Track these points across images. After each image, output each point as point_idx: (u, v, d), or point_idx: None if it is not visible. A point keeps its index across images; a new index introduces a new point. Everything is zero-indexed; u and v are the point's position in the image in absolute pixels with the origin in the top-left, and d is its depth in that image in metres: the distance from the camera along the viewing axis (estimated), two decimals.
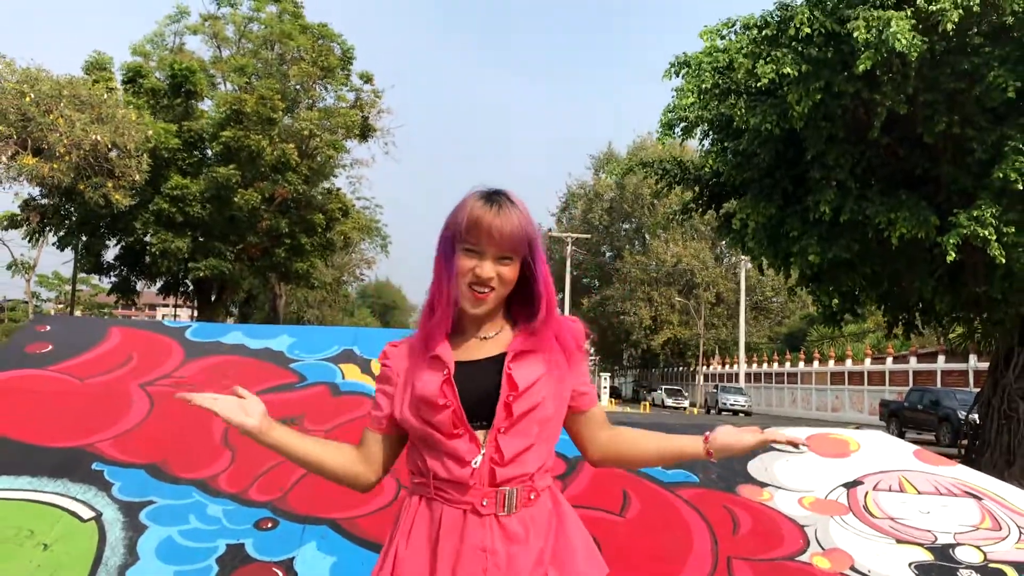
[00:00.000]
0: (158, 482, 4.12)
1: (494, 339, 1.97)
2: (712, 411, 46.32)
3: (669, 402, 52.89)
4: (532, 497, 1.89)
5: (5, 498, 3.92)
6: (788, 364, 50.14)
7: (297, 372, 5.15)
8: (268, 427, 2.06)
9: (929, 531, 4.20)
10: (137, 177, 20.06)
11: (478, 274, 1.87)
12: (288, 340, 5.49)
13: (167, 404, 4.75)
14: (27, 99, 16.86)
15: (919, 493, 4.54)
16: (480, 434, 1.86)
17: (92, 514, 3.87)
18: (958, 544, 4.13)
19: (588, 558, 1.97)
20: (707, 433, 2.14)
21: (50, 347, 5.25)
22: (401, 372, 2.01)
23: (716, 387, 48.34)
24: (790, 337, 63.19)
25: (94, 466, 4.18)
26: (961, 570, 3.93)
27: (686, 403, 52.44)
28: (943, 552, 4.05)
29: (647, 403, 51.42)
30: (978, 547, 4.11)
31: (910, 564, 3.95)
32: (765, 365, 53.42)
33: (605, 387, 52.29)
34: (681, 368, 67.66)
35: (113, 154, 19.12)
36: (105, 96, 18.78)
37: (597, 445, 2.14)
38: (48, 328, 5.61)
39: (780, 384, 50.47)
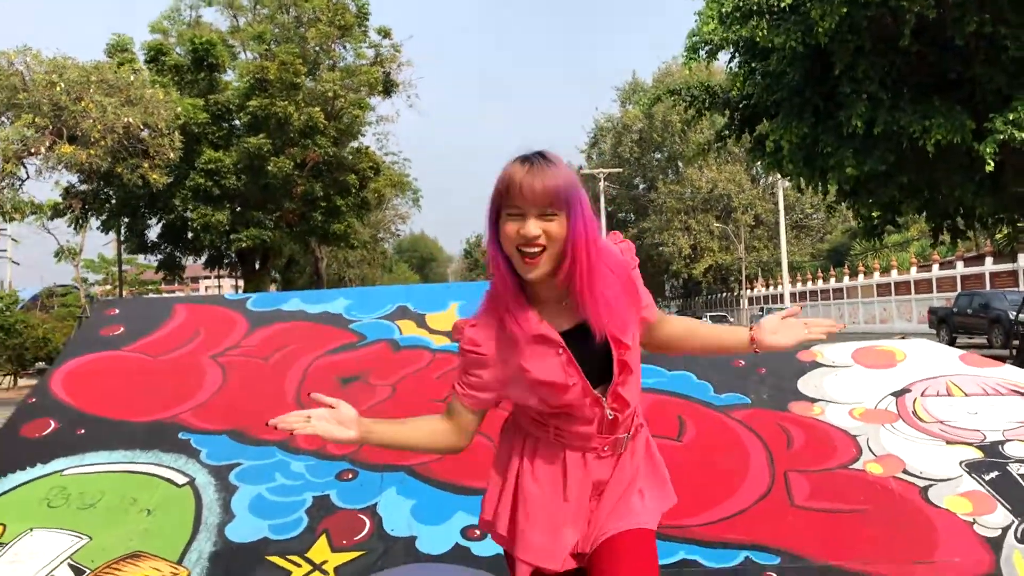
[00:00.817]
0: (241, 445, 4.41)
1: (566, 305, 1.97)
2: None
3: None
4: (635, 433, 2.10)
5: (107, 471, 4.24)
6: (833, 280, 49.78)
7: (357, 332, 5.39)
8: (366, 432, 2.08)
9: (978, 430, 4.36)
10: (171, 155, 20.36)
11: (523, 234, 1.84)
12: (345, 302, 5.73)
13: (239, 372, 5.03)
14: (57, 88, 17.15)
15: (966, 395, 4.69)
16: (599, 391, 1.98)
17: (186, 480, 4.17)
18: (1007, 440, 4.28)
19: (665, 485, 2.19)
20: (752, 326, 2.26)
21: (121, 329, 5.54)
22: (496, 354, 1.97)
23: (762, 309, 48.20)
24: (833, 253, 62.62)
25: (180, 436, 4.48)
26: (1011, 464, 4.09)
27: None
28: (992, 449, 4.21)
29: None
30: None
31: (960, 463, 4.12)
32: (810, 283, 53.10)
33: None
34: (725, 294, 67.45)
35: (145, 134, 19.40)
36: (132, 78, 19.01)
37: (654, 337, 2.27)
38: (117, 311, 5.91)
39: (827, 301, 50.19)
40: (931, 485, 3.95)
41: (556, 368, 1.91)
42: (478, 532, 3.68)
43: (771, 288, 58.15)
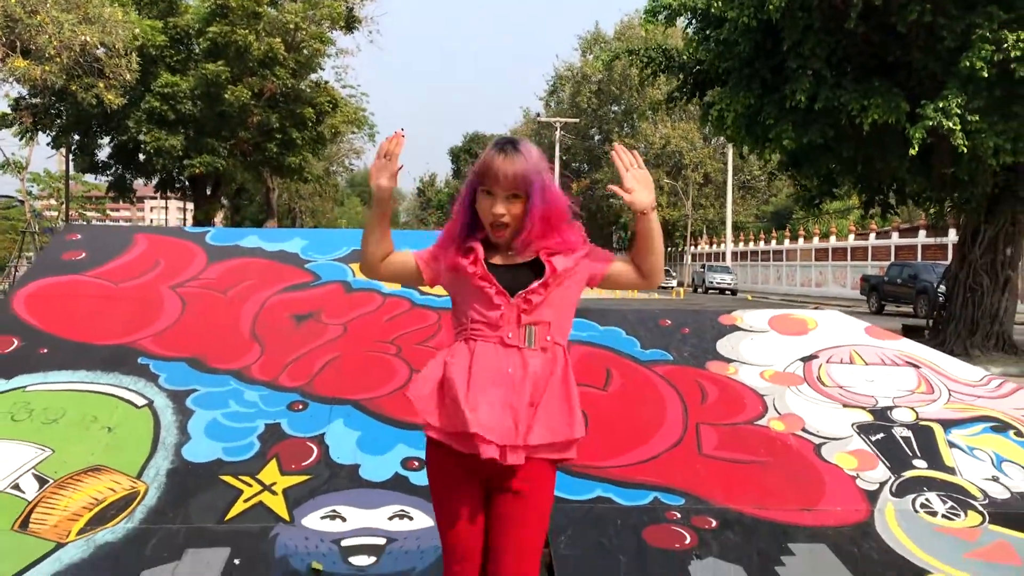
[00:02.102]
0: (198, 373, 4.67)
1: (510, 255, 2.42)
2: (699, 290, 47.14)
3: None
4: (548, 339, 2.40)
5: (69, 389, 4.48)
6: (774, 242, 50.61)
7: (312, 272, 5.65)
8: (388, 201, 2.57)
9: (871, 396, 4.83)
10: (127, 76, 19.97)
11: (492, 212, 2.32)
12: (301, 242, 5.97)
13: (198, 303, 5.27)
14: (12, 0, 16.70)
15: (866, 364, 5.16)
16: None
17: (145, 401, 4.43)
18: (895, 407, 4.76)
19: (573, 413, 2.45)
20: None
21: (83, 254, 5.72)
22: (443, 258, 2.45)
23: (703, 266, 48.90)
24: (776, 215, 63.58)
25: (140, 360, 4.72)
26: (895, 427, 4.57)
27: (674, 283, 53.14)
28: (882, 413, 4.69)
29: None
30: (912, 408, 4.75)
31: (853, 424, 4.58)
32: (751, 244, 53.87)
33: None
34: (670, 249, 68.21)
35: (102, 53, 19.02)
36: None
37: (615, 279, 2.56)
38: (79, 237, 6.07)
39: (766, 262, 51.06)
40: (824, 443, 4.39)
41: (468, 259, 2.38)
42: (416, 463, 3.98)
43: (715, 246, 59.03)
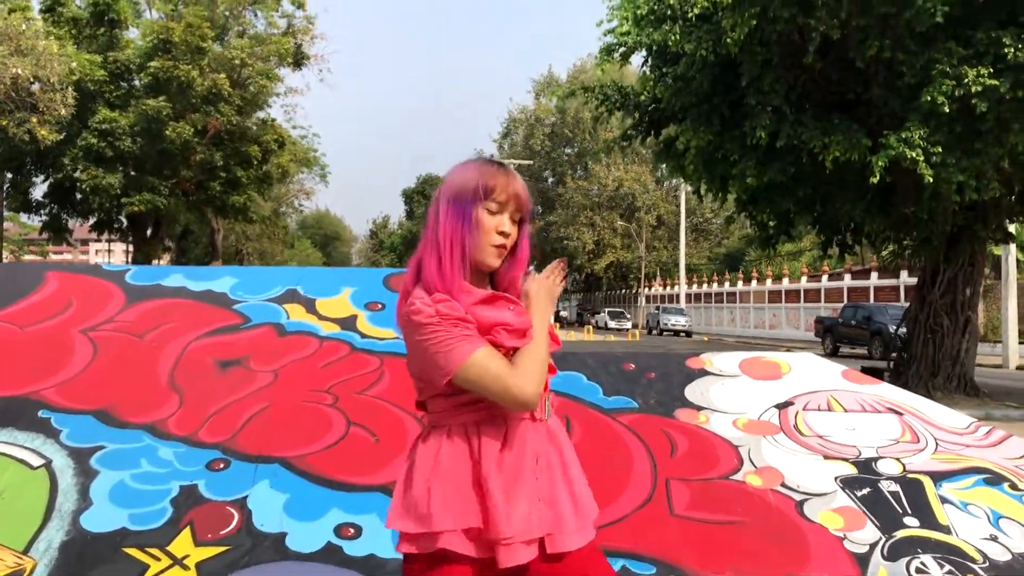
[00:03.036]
0: (107, 427, 4.16)
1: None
2: (654, 332, 47.20)
3: (612, 324, 53.77)
4: (554, 405, 2.16)
5: None
6: (727, 284, 51.13)
7: (241, 313, 5.15)
8: None
9: (854, 446, 4.47)
10: (63, 111, 19.34)
11: (502, 230, 2.04)
12: (231, 281, 5.47)
13: (111, 349, 4.75)
14: None
15: (846, 411, 4.80)
16: None
17: (42, 461, 3.91)
18: (880, 457, 4.40)
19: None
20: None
21: None
22: (468, 313, 2.00)
23: (658, 308, 49.18)
24: (729, 257, 64.35)
25: (40, 414, 4.20)
26: (882, 481, 4.20)
27: (628, 325, 53.32)
28: (866, 465, 4.32)
29: (591, 326, 52.13)
30: (898, 459, 4.38)
31: (836, 478, 4.21)
32: (705, 286, 54.44)
33: None
34: (624, 291, 68.59)
35: (36, 88, 18.38)
36: (23, 27, 17.94)
37: None
38: None
39: (720, 304, 51.54)
40: (807, 499, 4.02)
41: (513, 315, 2.05)
42: (351, 531, 3.58)
43: (668, 288, 59.41)
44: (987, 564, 3.70)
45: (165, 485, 3.81)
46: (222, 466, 3.96)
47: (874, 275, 35.93)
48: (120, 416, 4.24)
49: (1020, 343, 24.66)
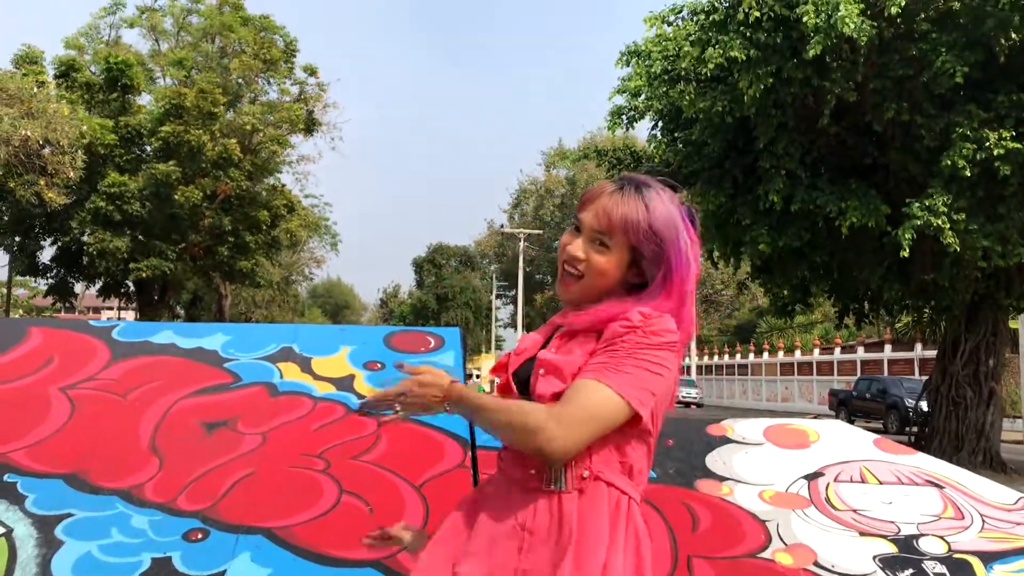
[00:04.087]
0: (78, 493, 3.84)
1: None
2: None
3: None
4: (584, 476, 1.79)
5: None
6: (739, 356, 50.82)
7: (232, 372, 4.86)
8: None
9: (892, 522, 4.10)
10: (71, 174, 19.37)
11: (568, 250, 1.72)
12: (223, 338, 5.19)
13: (90, 408, 4.45)
14: None
15: (881, 483, 4.44)
16: None
17: (2, 531, 3.59)
18: (922, 535, 4.03)
19: None
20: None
21: None
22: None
23: None
24: (740, 329, 64.08)
25: (6, 478, 3.88)
26: (926, 561, 3.83)
27: None
28: (907, 543, 3.95)
29: None
30: (942, 537, 4.01)
31: (875, 557, 3.84)
32: (716, 357, 54.12)
33: None
34: None
35: (46, 151, 18.44)
36: (35, 90, 18.06)
37: None
38: None
39: (731, 376, 51.14)
40: None
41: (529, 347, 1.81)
42: None
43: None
44: None
45: (136, 557, 3.47)
46: (200, 536, 3.62)
47: (888, 347, 35.64)
48: (93, 480, 3.92)
49: None
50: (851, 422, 27.57)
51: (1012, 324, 22.62)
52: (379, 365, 4.99)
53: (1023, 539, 4.06)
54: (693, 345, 52.47)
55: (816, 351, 42.12)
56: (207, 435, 4.29)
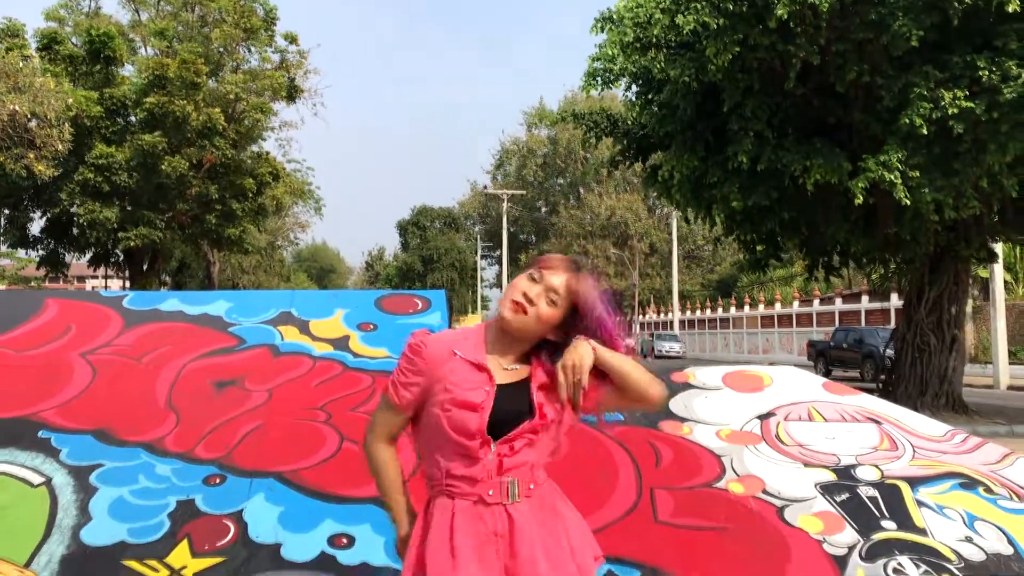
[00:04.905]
0: (105, 446, 4.25)
1: (515, 371, 2.19)
2: (648, 357, 47.24)
3: None
4: (532, 487, 2.18)
5: None
6: (720, 310, 51.22)
7: (236, 335, 5.24)
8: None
9: (833, 454, 4.56)
10: (59, 147, 19.49)
11: (527, 293, 2.13)
12: (225, 305, 5.57)
13: (110, 371, 4.84)
14: None
15: (826, 421, 4.90)
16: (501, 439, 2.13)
17: (42, 479, 4.00)
18: (859, 464, 4.50)
19: (585, 538, 2.32)
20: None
21: None
22: (438, 369, 2.16)
23: (652, 335, 49.27)
24: (721, 284, 64.48)
25: (40, 434, 4.28)
26: (861, 487, 4.30)
27: None
28: (845, 472, 4.42)
29: None
30: (876, 466, 4.49)
31: (816, 484, 4.30)
32: (698, 312, 54.51)
33: None
34: (616, 319, 68.49)
35: (33, 124, 18.54)
36: (21, 64, 18.13)
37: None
38: None
39: (713, 329, 51.60)
40: (787, 505, 4.11)
41: (481, 395, 2.10)
42: (344, 541, 3.67)
43: (662, 315, 59.49)
44: (962, 564, 3.78)
45: (162, 500, 3.89)
46: (218, 481, 4.04)
47: (864, 299, 36.07)
48: (118, 435, 4.32)
49: (1011, 363, 24.77)
50: (829, 372, 28.18)
51: (982, 273, 23.18)
52: (371, 326, 5.38)
53: (948, 465, 4.56)
54: (675, 300, 52.98)
55: (795, 303, 42.53)
56: (217, 393, 4.71)
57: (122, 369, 4.89)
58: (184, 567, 3.50)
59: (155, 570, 3.48)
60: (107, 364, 4.91)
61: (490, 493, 2.10)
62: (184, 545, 3.62)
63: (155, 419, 4.47)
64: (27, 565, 3.47)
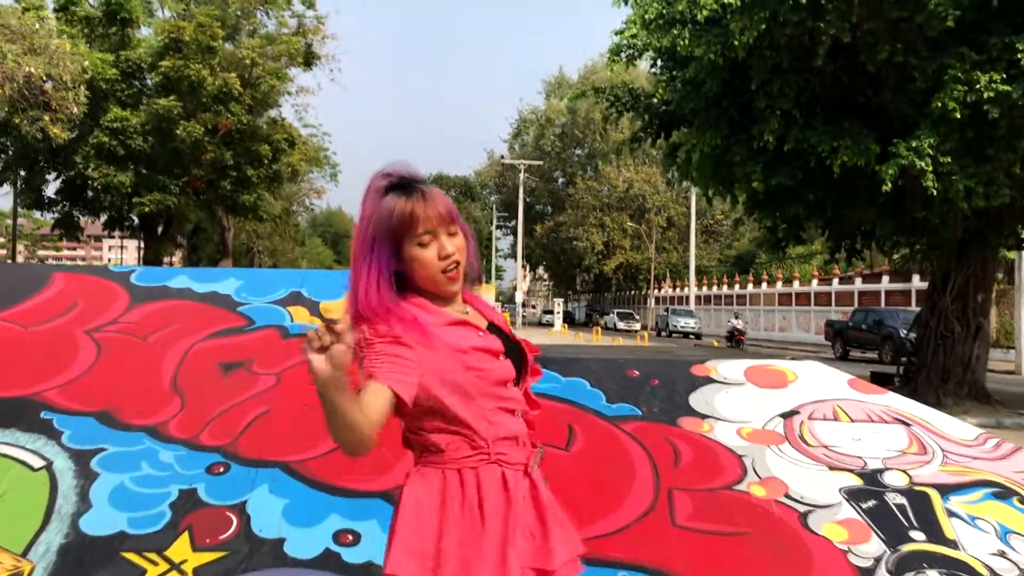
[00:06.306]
0: (108, 429, 4.14)
1: (472, 314, 2.04)
2: (663, 333, 47.07)
3: (621, 325, 53.72)
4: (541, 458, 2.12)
5: None
6: (737, 286, 51.01)
7: (245, 315, 5.12)
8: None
9: (860, 457, 4.40)
10: (75, 110, 19.41)
11: (444, 253, 1.94)
12: (235, 283, 5.44)
13: (115, 350, 4.73)
14: None
15: (852, 421, 4.73)
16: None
17: (42, 463, 3.90)
18: (886, 469, 4.33)
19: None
20: None
21: None
22: (421, 342, 1.87)
23: (667, 310, 49.05)
24: (739, 260, 64.21)
25: (43, 415, 4.18)
26: (887, 493, 4.14)
27: (637, 326, 53.22)
28: (872, 477, 4.26)
29: (599, 327, 52.05)
30: (904, 471, 4.32)
31: (840, 489, 4.15)
32: (715, 288, 54.31)
33: (558, 312, 53.08)
34: (633, 292, 68.50)
35: (48, 86, 18.46)
36: (37, 26, 18.00)
37: None
38: None
39: (729, 306, 51.39)
40: (811, 511, 3.96)
41: (482, 339, 1.96)
42: (350, 537, 3.55)
43: (678, 290, 59.29)
44: None
45: (164, 489, 3.79)
46: (222, 470, 3.94)
47: (885, 279, 35.77)
48: (122, 418, 4.22)
49: None
50: (846, 353, 27.98)
51: (1010, 255, 22.83)
52: None
53: (980, 473, 4.38)
54: (692, 275, 52.72)
55: (814, 282, 42.28)
56: (224, 375, 4.59)
57: (127, 348, 4.77)
58: (184, 560, 3.40)
59: (154, 563, 3.38)
60: (112, 342, 4.79)
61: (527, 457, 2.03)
62: (185, 537, 3.52)
63: (160, 402, 4.36)
64: (24, 554, 3.39)
